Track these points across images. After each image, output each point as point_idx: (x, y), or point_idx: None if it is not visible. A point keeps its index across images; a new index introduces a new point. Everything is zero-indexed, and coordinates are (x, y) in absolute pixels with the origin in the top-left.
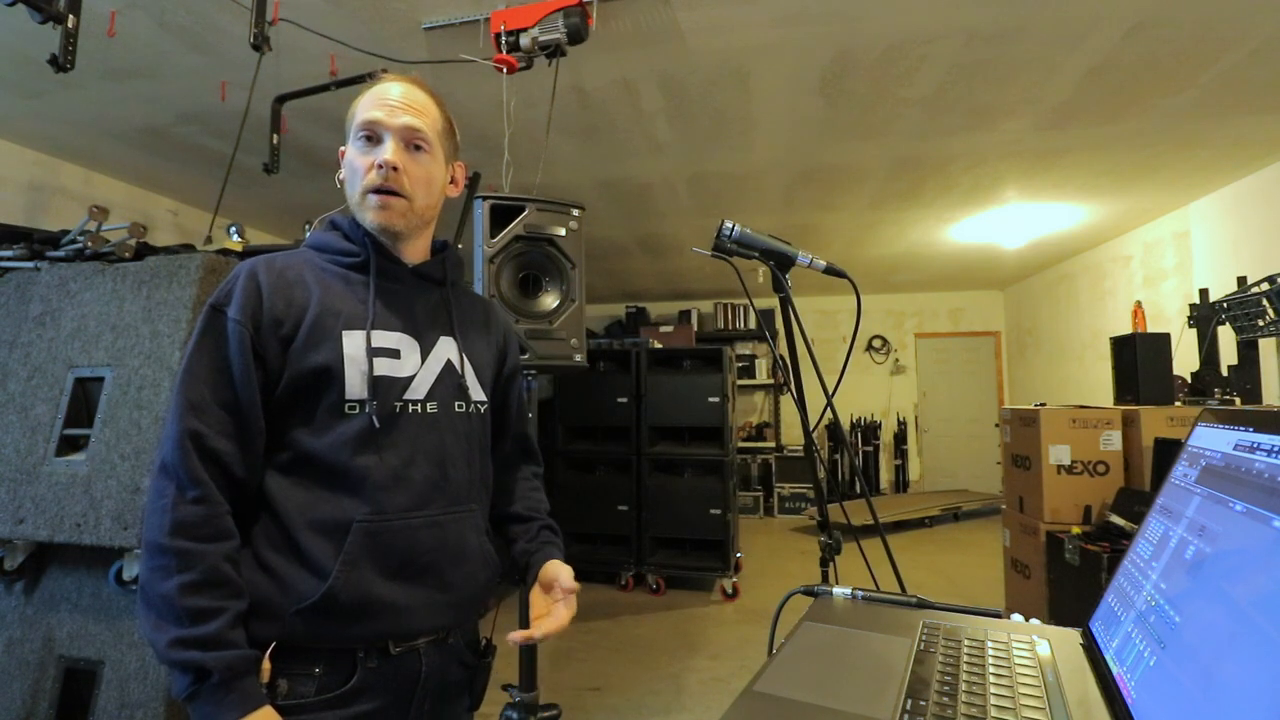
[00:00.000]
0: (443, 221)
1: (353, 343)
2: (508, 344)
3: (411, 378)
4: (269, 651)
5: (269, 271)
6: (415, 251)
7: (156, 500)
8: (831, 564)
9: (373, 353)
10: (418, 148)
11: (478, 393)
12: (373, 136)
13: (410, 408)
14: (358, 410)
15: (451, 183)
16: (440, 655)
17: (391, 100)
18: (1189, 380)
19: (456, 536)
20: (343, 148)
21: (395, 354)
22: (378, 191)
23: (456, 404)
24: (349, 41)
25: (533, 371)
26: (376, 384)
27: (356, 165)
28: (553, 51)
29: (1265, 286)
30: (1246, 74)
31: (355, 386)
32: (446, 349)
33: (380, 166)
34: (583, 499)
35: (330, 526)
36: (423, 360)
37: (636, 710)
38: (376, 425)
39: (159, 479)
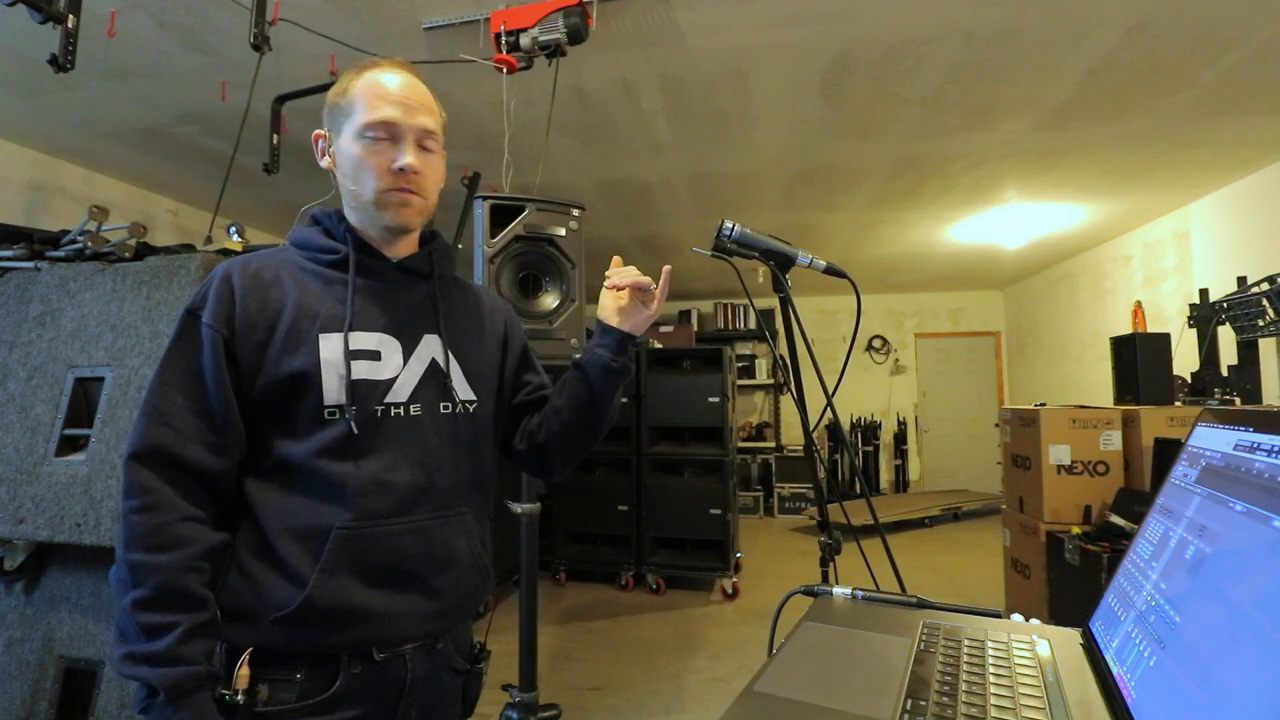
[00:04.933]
0: (441, 220)
1: (330, 346)
2: (508, 330)
3: (393, 380)
4: (247, 656)
5: (243, 273)
6: (403, 245)
7: (120, 514)
8: (831, 564)
9: (350, 356)
10: (428, 147)
11: (465, 391)
12: (387, 135)
13: (392, 411)
14: (337, 416)
15: None
16: (428, 661)
17: (402, 96)
18: (1189, 380)
19: (443, 542)
20: (319, 131)
21: (375, 356)
22: (399, 190)
23: (442, 405)
24: (349, 41)
25: None
26: (355, 388)
27: (369, 165)
28: (553, 51)
29: (1265, 286)
30: (1246, 74)
31: (333, 391)
32: (431, 348)
33: (403, 170)
34: (583, 499)
35: (309, 533)
36: (405, 361)
37: (636, 710)
38: (355, 431)
39: (121, 492)
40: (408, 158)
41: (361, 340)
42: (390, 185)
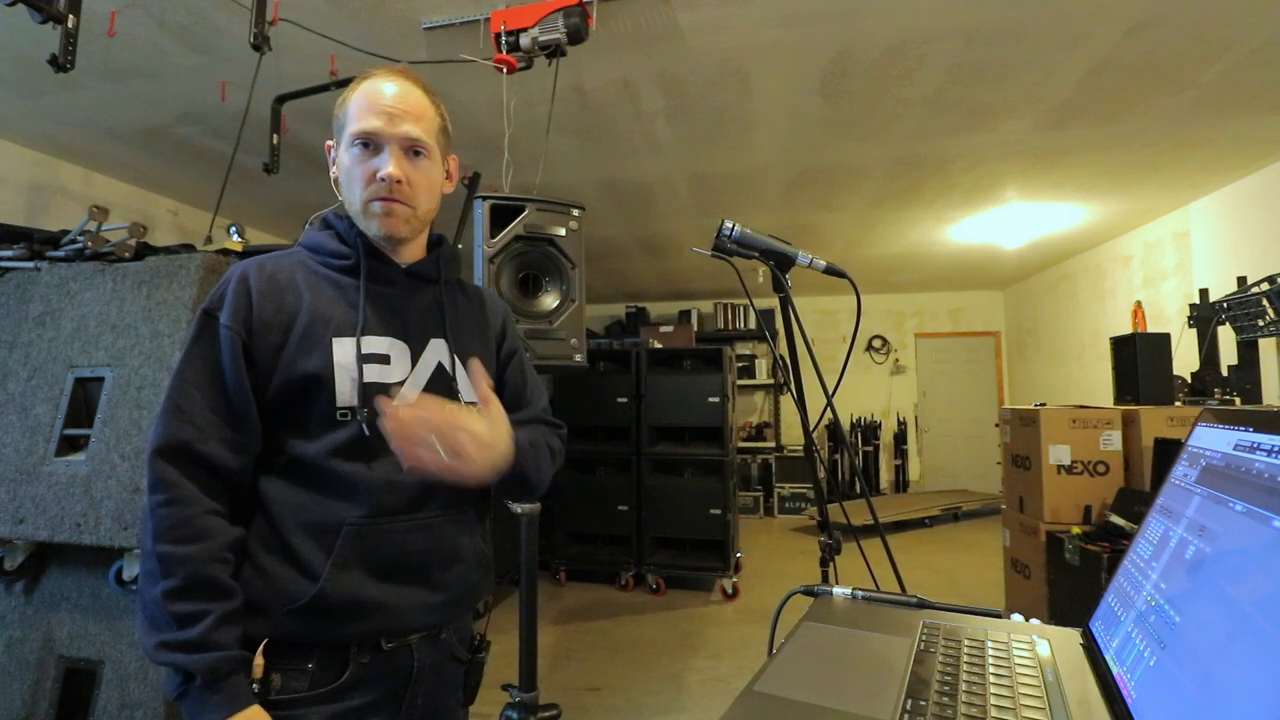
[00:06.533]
0: (441, 221)
1: (342, 350)
2: (504, 330)
3: (401, 383)
4: (262, 647)
5: (260, 275)
6: (411, 251)
7: (145, 507)
8: (831, 564)
9: (362, 359)
10: (417, 154)
11: (470, 395)
12: (370, 145)
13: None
14: (348, 418)
15: (446, 178)
16: (433, 651)
17: (389, 105)
18: (1189, 380)
19: (448, 539)
20: (329, 142)
21: (385, 359)
22: (382, 200)
23: None
24: (349, 41)
25: None
26: (366, 391)
27: (355, 174)
28: (553, 51)
29: (1265, 286)
30: (1246, 74)
31: (345, 394)
32: (438, 352)
33: (383, 179)
34: (583, 499)
35: (321, 529)
36: (413, 365)
37: (636, 710)
38: (367, 433)
39: (146, 487)
40: (388, 167)
41: (372, 344)
42: (373, 195)
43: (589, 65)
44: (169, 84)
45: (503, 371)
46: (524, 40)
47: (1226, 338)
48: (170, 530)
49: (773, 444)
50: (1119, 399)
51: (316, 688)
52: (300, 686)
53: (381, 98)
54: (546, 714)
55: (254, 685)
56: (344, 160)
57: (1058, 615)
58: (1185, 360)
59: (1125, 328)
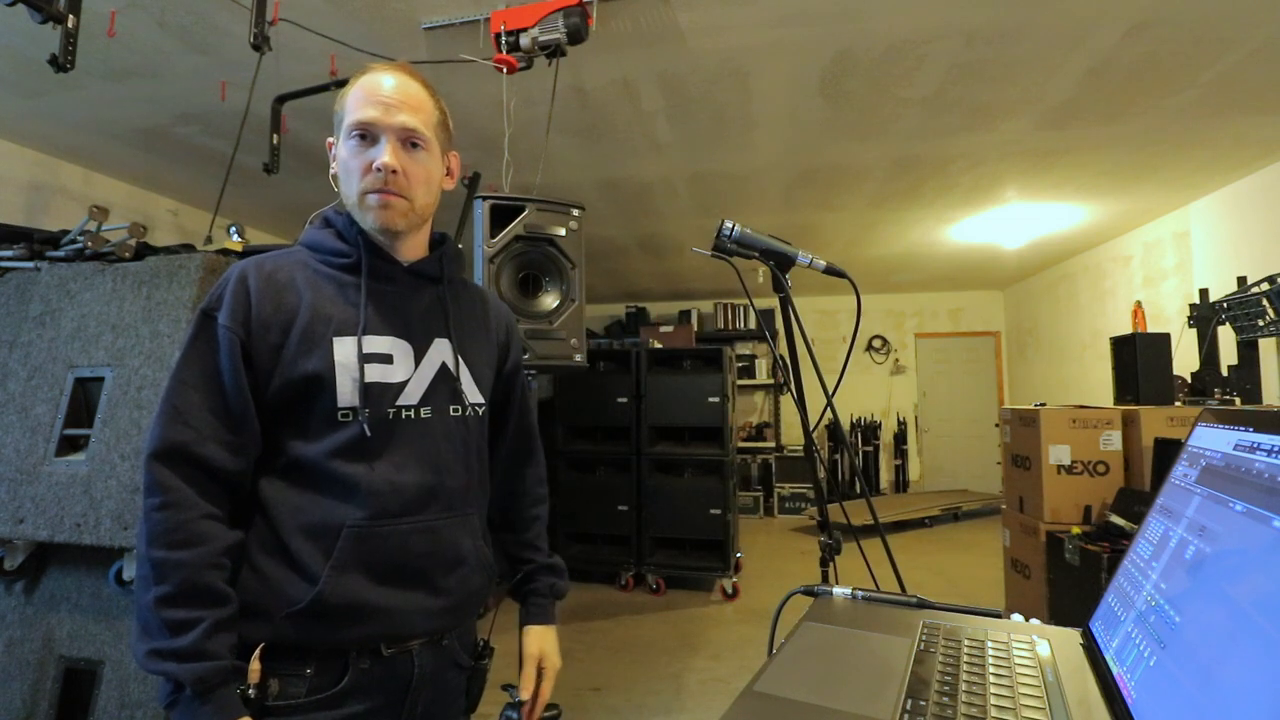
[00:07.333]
0: (441, 220)
1: (344, 349)
2: (509, 339)
3: (404, 383)
4: (259, 652)
5: (258, 274)
6: (412, 248)
7: (141, 511)
8: (831, 564)
9: (364, 359)
10: (415, 145)
11: (474, 395)
12: (368, 136)
13: (404, 414)
14: (350, 418)
15: (447, 174)
16: (434, 657)
17: (386, 96)
18: (1189, 380)
19: (450, 541)
20: (330, 139)
21: (388, 359)
22: (378, 192)
23: (451, 408)
24: (349, 41)
25: (533, 371)
26: (368, 391)
27: (352, 166)
28: (553, 51)
29: (1265, 286)
30: (1246, 74)
31: (347, 394)
32: (441, 352)
33: (379, 169)
34: (583, 499)
35: (320, 531)
36: (416, 365)
37: (636, 710)
38: (368, 434)
39: (143, 490)
40: (384, 157)
41: (374, 344)
42: (369, 186)
43: (589, 65)
44: (169, 84)
45: (507, 385)
46: (524, 40)
47: (1226, 338)
48: (165, 535)
49: (773, 444)
50: (1119, 399)
51: (315, 693)
52: (298, 692)
53: (379, 89)
54: (547, 714)
55: (251, 691)
56: (341, 152)
57: (1058, 615)
58: (1185, 360)
59: (1125, 328)
